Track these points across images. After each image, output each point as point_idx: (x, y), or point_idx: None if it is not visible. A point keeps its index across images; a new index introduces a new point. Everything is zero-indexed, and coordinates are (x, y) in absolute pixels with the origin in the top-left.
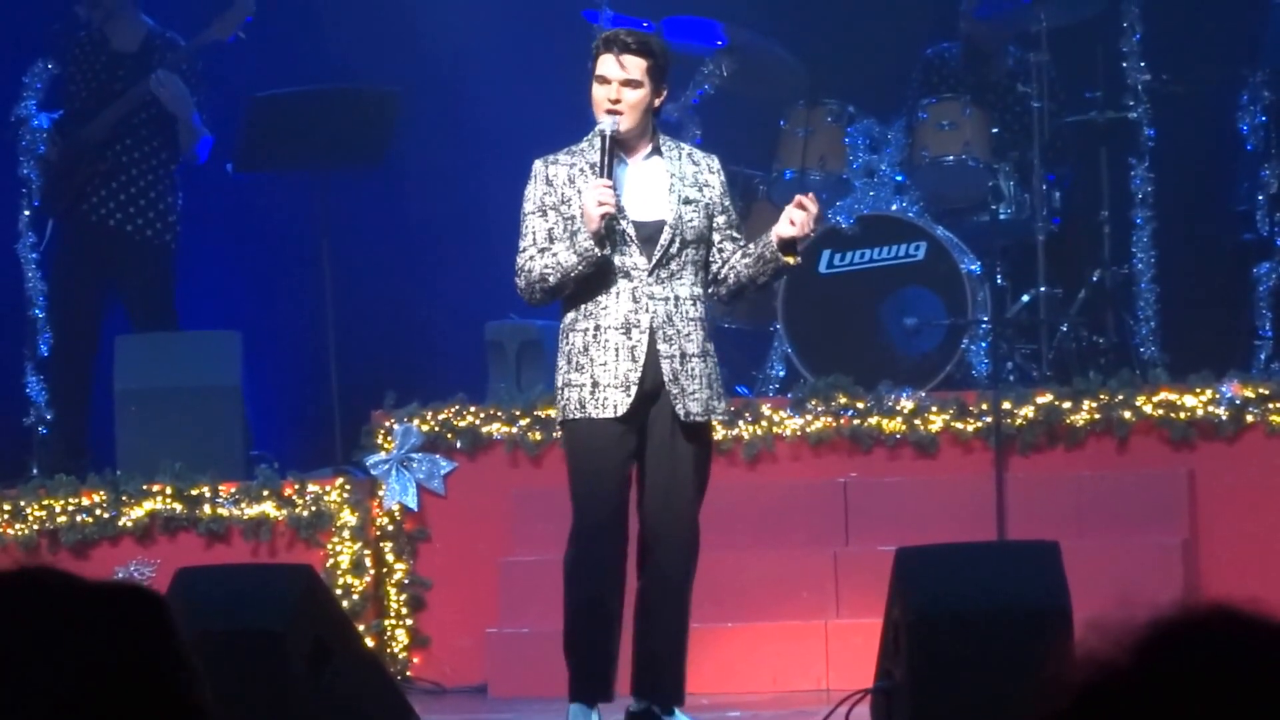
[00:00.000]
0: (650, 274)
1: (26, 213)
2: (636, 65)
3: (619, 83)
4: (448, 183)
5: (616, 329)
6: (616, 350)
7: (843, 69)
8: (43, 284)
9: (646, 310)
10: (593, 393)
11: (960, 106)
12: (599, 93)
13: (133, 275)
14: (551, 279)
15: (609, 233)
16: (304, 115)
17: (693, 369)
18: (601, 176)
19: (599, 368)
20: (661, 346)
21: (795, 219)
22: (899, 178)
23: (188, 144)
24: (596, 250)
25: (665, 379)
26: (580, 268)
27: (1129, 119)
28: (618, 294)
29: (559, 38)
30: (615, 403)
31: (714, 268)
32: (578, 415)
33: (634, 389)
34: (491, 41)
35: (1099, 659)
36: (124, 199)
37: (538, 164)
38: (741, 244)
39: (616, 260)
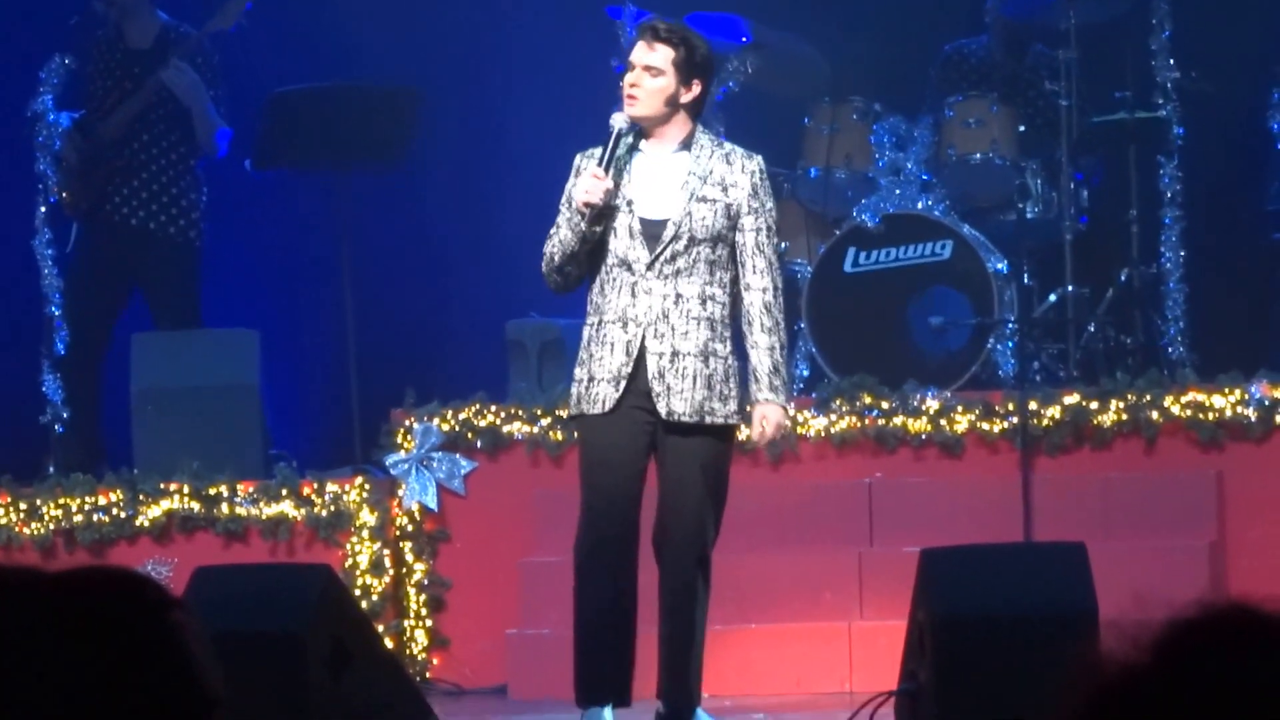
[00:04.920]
0: (650, 268)
1: (43, 209)
2: (663, 54)
3: (641, 68)
4: (468, 180)
5: (614, 323)
6: (613, 345)
7: (868, 66)
8: (59, 281)
9: (643, 305)
10: (588, 388)
11: (988, 104)
12: (625, 79)
13: (156, 274)
14: (556, 257)
15: (601, 215)
16: (323, 112)
17: (684, 368)
18: (600, 166)
19: (596, 362)
20: (651, 343)
21: (760, 437)
22: (925, 176)
23: (205, 135)
24: (583, 226)
25: (650, 375)
26: (575, 245)
27: (1158, 117)
28: (619, 288)
29: (581, 34)
30: (604, 398)
31: (742, 280)
32: (574, 411)
33: (623, 384)
34: (513, 38)
35: (1117, 659)
36: (145, 196)
37: (577, 157)
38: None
39: (621, 253)
